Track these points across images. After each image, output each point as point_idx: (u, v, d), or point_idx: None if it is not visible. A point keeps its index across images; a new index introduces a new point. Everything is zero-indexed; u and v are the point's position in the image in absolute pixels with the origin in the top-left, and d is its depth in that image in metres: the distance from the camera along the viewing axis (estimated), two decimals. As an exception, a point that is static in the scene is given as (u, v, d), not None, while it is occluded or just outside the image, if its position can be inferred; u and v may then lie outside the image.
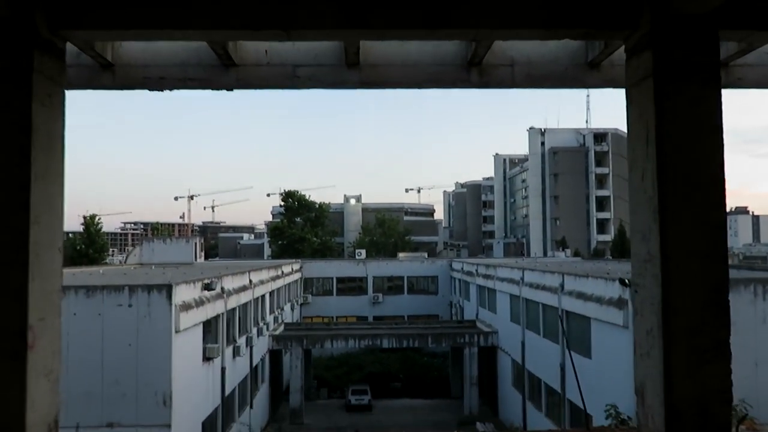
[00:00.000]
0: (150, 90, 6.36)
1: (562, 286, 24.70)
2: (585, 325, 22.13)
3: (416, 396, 41.77)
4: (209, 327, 22.54)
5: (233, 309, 26.48)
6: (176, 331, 18.11)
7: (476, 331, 37.97)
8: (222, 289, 24.15)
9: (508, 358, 34.03)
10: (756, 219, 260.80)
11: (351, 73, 6.18)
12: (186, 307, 19.03)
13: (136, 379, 17.70)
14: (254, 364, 30.68)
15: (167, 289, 17.92)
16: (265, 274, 35.48)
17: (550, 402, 26.97)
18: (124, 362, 17.71)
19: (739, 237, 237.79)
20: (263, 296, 34.69)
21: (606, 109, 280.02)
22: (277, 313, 39.49)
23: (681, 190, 4.50)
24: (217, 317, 23.48)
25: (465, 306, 47.71)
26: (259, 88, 6.43)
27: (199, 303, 20.51)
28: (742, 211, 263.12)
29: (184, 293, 19.20)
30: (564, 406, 24.36)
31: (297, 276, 51.49)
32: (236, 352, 26.20)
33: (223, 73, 6.12)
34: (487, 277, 39.24)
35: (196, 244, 53.73)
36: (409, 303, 55.10)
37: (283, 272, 42.78)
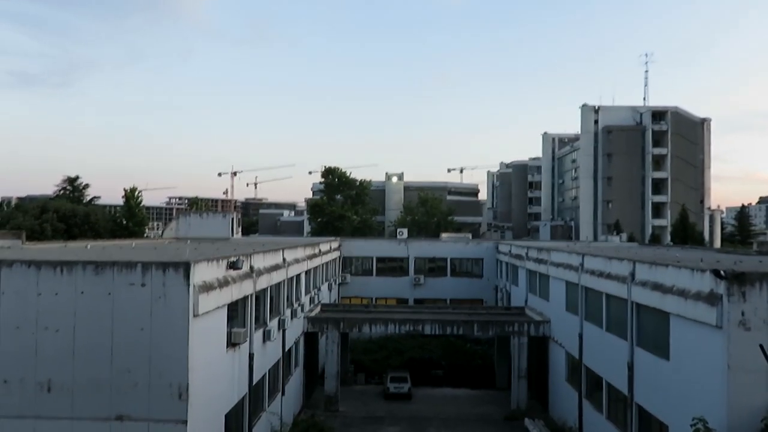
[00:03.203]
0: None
1: (632, 274, 21.65)
2: (662, 322, 19.12)
3: (459, 385, 39.39)
4: (235, 310, 20.40)
5: (264, 289, 24.34)
6: (195, 315, 15.93)
7: (526, 320, 35.16)
8: (251, 267, 21.97)
9: (561, 350, 31.17)
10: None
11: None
12: (207, 287, 16.84)
13: (149, 367, 15.64)
14: (287, 348, 28.64)
15: (185, 268, 15.71)
16: (301, 252, 33.33)
17: (612, 403, 24.10)
18: (136, 348, 15.66)
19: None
20: (298, 275, 32.56)
21: (666, 85, 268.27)
22: (313, 293, 37.40)
23: None
24: (244, 299, 21.32)
25: (513, 291, 44.82)
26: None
27: (224, 283, 18.31)
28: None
29: (205, 272, 17.01)
30: (632, 411, 21.48)
31: (336, 254, 49.40)
32: (267, 336, 24.09)
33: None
34: (539, 261, 36.23)
35: (232, 219, 52.17)
36: (452, 286, 52.56)
37: (321, 250, 40.63)
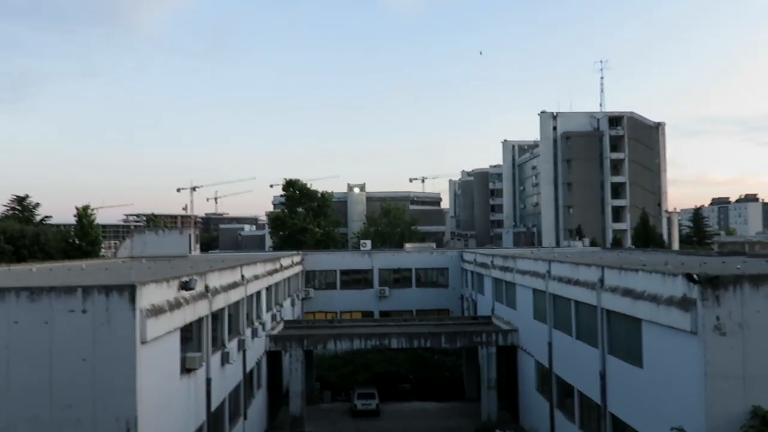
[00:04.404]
0: None
1: (601, 281, 21.20)
2: (634, 329, 18.66)
3: (427, 398, 38.58)
4: (189, 332, 19.18)
5: (222, 309, 23.11)
6: (143, 342, 14.71)
7: (494, 329, 34.59)
8: (206, 287, 20.77)
9: (531, 359, 30.63)
10: (766, 206, 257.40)
11: None
12: (156, 311, 15.63)
13: (94, 401, 14.34)
14: (248, 370, 27.37)
15: (130, 291, 14.50)
16: (261, 268, 32.10)
17: (585, 413, 23.57)
18: (78, 381, 14.35)
19: (749, 225, 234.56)
20: (259, 293, 31.33)
21: (621, 90, 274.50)
22: (275, 310, 36.14)
23: None
24: (199, 321, 20.09)
25: (479, 300, 44.31)
26: None
27: (175, 305, 17.10)
28: (752, 198, 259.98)
29: (154, 294, 15.80)
30: (605, 420, 20.95)
31: (298, 269, 48.17)
32: (225, 359, 22.87)
33: None
34: (505, 269, 35.76)
35: (190, 235, 50.40)
36: (417, 297, 51.84)
37: (282, 265, 39.41)
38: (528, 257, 33.07)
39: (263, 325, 31.60)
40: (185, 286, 18.07)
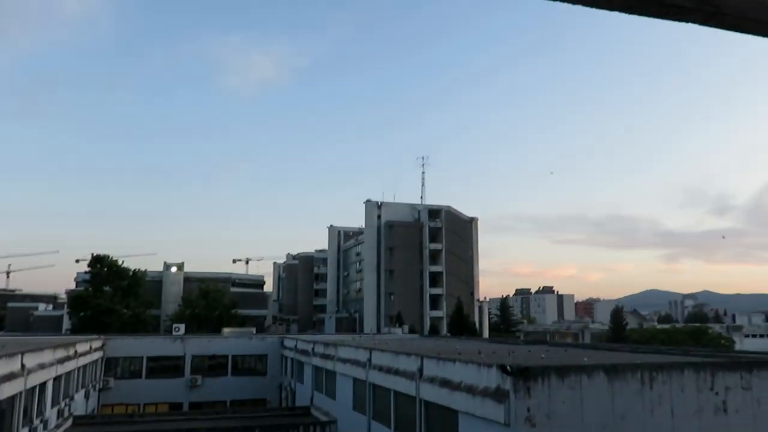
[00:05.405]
0: None
1: (420, 370, 21.10)
2: (451, 420, 18.55)
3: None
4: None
5: (-11, 406, 19.33)
6: None
7: (312, 421, 32.96)
8: (-30, 380, 17.25)
9: (349, 453, 29.43)
10: (560, 298, 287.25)
11: None
12: None
13: None
14: (19, 480, 22.96)
15: None
16: (49, 356, 27.90)
17: None
18: None
19: (546, 314, 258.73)
20: (44, 384, 27.02)
21: (439, 186, 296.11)
22: (63, 404, 31.40)
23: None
24: (-46, 422, 16.49)
25: (298, 389, 42.49)
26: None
27: None
28: (549, 290, 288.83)
29: None
30: None
31: (97, 355, 42.93)
32: (-13, 468, 18.92)
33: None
34: (325, 357, 34.78)
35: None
36: (233, 386, 48.50)
37: (77, 352, 34.77)
38: (349, 345, 32.49)
39: (45, 423, 27.12)
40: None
